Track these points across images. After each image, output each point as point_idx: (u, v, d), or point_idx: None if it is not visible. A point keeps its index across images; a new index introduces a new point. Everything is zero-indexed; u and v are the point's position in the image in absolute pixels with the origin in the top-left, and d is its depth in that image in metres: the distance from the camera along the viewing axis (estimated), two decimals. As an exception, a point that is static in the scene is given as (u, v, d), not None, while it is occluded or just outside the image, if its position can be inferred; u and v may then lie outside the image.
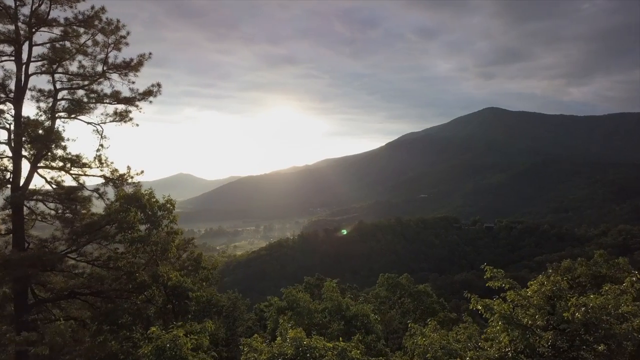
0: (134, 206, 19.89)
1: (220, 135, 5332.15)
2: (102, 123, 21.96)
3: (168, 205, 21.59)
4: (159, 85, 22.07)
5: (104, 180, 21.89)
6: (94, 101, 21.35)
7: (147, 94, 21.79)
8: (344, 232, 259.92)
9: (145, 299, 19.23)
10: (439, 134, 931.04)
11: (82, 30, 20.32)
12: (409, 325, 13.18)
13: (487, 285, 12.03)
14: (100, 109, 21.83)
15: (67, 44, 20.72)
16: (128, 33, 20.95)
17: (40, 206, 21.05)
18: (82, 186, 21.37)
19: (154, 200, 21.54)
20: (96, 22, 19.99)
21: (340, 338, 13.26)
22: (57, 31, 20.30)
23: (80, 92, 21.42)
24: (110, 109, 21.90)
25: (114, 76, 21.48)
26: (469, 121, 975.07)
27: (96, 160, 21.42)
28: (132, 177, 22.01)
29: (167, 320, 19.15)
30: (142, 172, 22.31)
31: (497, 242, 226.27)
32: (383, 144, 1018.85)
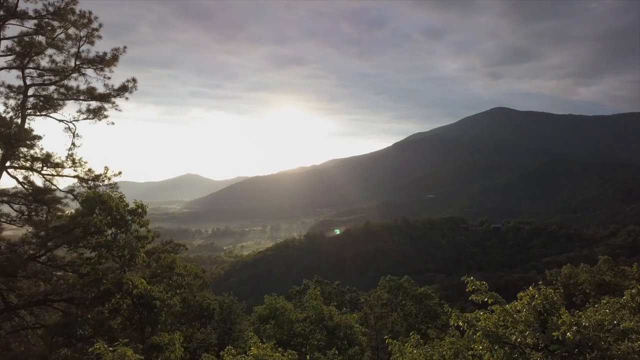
0: (100, 209, 18.82)
1: (227, 135, 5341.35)
2: (74, 121, 20.94)
3: (139, 210, 20.47)
4: (134, 80, 20.99)
5: (77, 181, 20.82)
6: (63, 97, 20.27)
7: (122, 90, 20.75)
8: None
9: (112, 308, 18.13)
10: (447, 134, 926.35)
11: (56, 24, 19.34)
12: (386, 342, 12.04)
13: (470, 298, 10.93)
14: (75, 106, 20.86)
15: (41, 38, 19.73)
16: (100, 25, 19.87)
17: (7, 208, 20.04)
18: (49, 187, 20.35)
19: (124, 204, 20.42)
20: (69, 15, 19.04)
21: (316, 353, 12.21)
22: (29, 25, 19.37)
23: (52, 88, 20.40)
24: (85, 106, 20.80)
25: (89, 72, 20.49)
26: (477, 121, 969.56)
27: (69, 160, 20.41)
28: (109, 178, 21.03)
29: (137, 331, 18.12)
30: (120, 173, 21.32)
31: (505, 243, 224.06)
32: (390, 144, 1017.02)
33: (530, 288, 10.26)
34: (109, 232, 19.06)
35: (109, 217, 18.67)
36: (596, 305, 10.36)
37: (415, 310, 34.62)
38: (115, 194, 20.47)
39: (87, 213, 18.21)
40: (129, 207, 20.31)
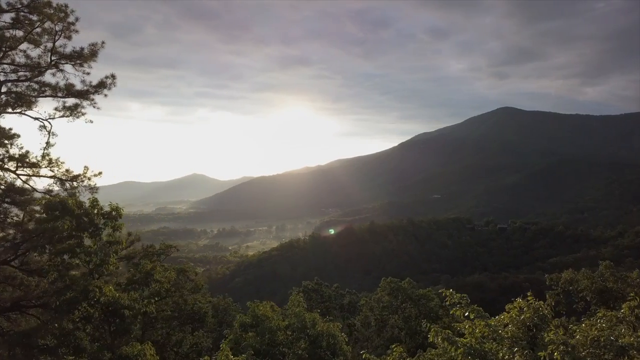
0: (63, 213, 17.97)
1: (233, 135, 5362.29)
2: (50, 119, 20.15)
3: (114, 212, 19.65)
4: (113, 77, 20.19)
5: (54, 182, 20.03)
6: (37, 94, 19.45)
7: (100, 87, 19.92)
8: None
9: (82, 316, 17.24)
10: (452, 134, 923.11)
11: (35, 17, 18.59)
12: (363, 356, 11.19)
13: (451, 312, 10.08)
14: (54, 103, 20.08)
15: (18, 32, 18.95)
16: (77, 19, 19.16)
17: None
18: (23, 188, 19.57)
19: (99, 207, 19.54)
20: (45, 9, 18.30)
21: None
22: (6, 18, 18.61)
23: (27, 85, 19.56)
24: (62, 103, 19.96)
25: (68, 68, 19.72)
26: (483, 121, 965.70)
27: (45, 159, 19.65)
28: (88, 179, 20.22)
29: (107, 341, 17.27)
30: (100, 173, 20.52)
31: (511, 243, 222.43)
32: (396, 144, 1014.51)
33: (519, 299, 9.36)
34: (79, 237, 18.22)
35: (74, 222, 17.83)
36: (592, 319, 9.40)
37: (415, 313, 33.79)
38: (90, 198, 19.64)
39: (51, 219, 17.40)
40: (103, 210, 19.48)
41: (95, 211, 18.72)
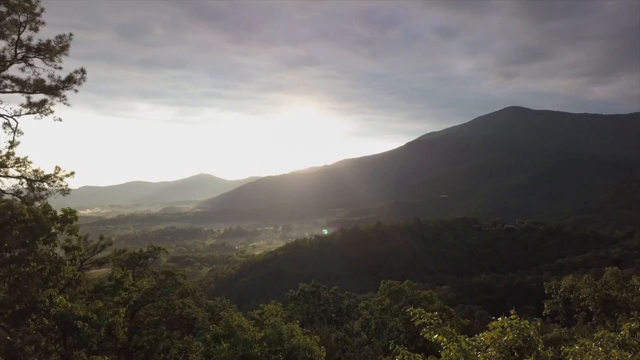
0: (15, 221, 16.84)
1: (240, 136, 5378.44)
2: (15, 115, 19.12)
3: (69, 216, 18.60)
4: (82, 71, 19.08)
5: (20, 182, 18.95)
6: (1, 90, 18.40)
7: (69, 82, 18.85)
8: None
9: (36, 329, 16.03)
10: (460, 133, 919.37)
11: (3, 9, 17.58)
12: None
13: (422, 334, 8.94)
14: (22, 99, 18.99)
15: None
16: (42, 10, 18.18)
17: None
18: None
19: (52, 212, 18.39)
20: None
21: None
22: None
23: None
24: (27, 99, 18.86)
25: (37, 62, 18.68)
26: (490, 121, 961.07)
27: (9, 158, 18.62)
28: (60, 179, 19.20)
29: (63, 356, 16.10)
30: (73, 173, 19.48)
31: (518, 243, 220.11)
32: (403, 144, 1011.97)
33: (501, 318, 8.19)
34: (32, 244, 17.06)
35: (24, 229, 16.70)
36: (586, 343, 8.20)
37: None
38: (42, 203, 18.56)
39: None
40: (55, 215, 18.34)
41: (49, 216, 17.64)
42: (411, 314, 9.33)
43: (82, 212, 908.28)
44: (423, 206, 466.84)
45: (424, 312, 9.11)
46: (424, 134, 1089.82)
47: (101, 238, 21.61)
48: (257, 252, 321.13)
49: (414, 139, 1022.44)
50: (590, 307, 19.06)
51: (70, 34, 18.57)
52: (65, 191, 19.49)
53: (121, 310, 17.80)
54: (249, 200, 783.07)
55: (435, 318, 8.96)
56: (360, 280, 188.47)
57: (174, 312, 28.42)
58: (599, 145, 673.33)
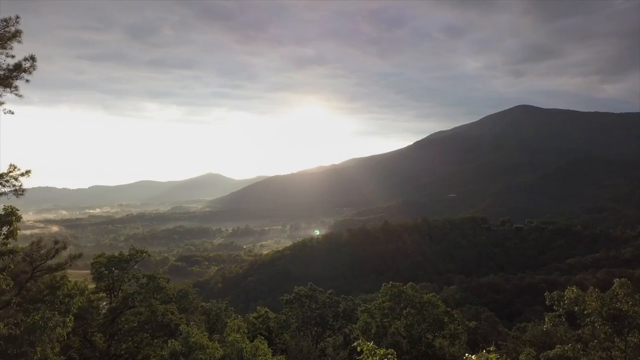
0: None
1: (248, 135, 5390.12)
2: None
3: (9, 218, 17.64)
4: (32, 58, 17.67)
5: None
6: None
7: (17, 70, 17.72)
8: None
9: None
10: (468, 132, 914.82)
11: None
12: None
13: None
14: None
15: None
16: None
17: None
18: None
19: None
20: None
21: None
22: None
23: None
24: None
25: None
26: (499, 119, 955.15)
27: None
28: (15, 178, 18.22)
29: None
30: (28, 172, 18.48)
31: (527, 243, 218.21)
32: (411, 142, 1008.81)
33: (469, 355, 7.48)
34: None
35: None
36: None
37: (418, 320, 31.91)
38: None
39: None
40: None
41: None
42: (356, 343, 8.59)
43: (91, 211, 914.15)
44: (431, 205, 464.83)
45: (372, 345, 8.32)
46: (432, 132, 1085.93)
47: (55, 242, 20.58)
48: (265, 252, 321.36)
49: (422, 137, 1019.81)
50: (597, 324, 17.85)
51: (17, 17, 17.24)
52: (19, 192, 18.44)
53: (67, 320, 16.69)
54: (257, 199, 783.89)
55: (385, 352, 8.22)
56: (367, 280, 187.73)
57: (156, 319, 27.64)
58: (609, 143, 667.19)
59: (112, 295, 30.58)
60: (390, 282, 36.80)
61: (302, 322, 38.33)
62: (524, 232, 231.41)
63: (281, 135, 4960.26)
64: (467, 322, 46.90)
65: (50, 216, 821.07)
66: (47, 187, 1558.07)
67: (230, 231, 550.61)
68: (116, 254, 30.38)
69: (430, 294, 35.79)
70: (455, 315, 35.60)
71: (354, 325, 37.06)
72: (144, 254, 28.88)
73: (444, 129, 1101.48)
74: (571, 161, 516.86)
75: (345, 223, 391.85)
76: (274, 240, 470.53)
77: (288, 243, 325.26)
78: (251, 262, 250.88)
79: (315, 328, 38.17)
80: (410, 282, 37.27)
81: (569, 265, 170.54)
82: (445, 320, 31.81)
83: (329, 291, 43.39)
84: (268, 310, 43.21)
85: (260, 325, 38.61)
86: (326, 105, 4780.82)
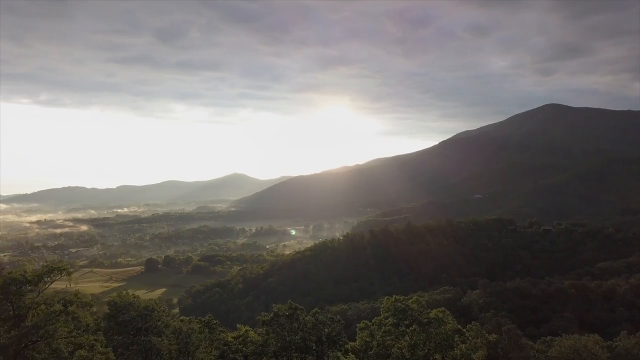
0: None
1: (273, 135, 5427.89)
2: None
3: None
4: None
5: None
6: None
7: None
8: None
9: None
10: (496, 132, 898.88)
11: None
12: None
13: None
14: None
15: None
16: None
17: None
18: None
19: None
20: None
21: None
22: None
23: None
24: None
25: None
26: (528, 119, 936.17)
27: None
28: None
29: None
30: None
31: (556, 246, 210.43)
32: (437, 142, 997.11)
33: None
34: None
35: None
36: None
37: (424, 339, 28.18)
38: None
39: None
40: None
41: None
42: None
43: (119, 210, 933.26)
44: (457, 206, 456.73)
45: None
46: (458, 132, 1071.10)
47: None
48: (287, 252, 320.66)
49: (447, 137, 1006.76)
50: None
51: None
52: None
53: None
54: (281, 199, 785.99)
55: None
56: (389, 283, 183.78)
57: (63, 355, 23.91)
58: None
59: (19, 325, 25.40)
60: (394, 296, 33.02)
61: (281, 347, 34.05)
62: (552, 235, 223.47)
63: (305, 135, 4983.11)
64: (487, 335, 42.95)
65: (80, 215, 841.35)
66: (76, 187, 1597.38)
67: (254, 231, 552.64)
68: (29, 270, 26.06)
69: (438, 310, 31.77)
70: (467, 334, 31.61)
71: (351, 343, 32.99)
72: (63, 271, 24.88)
73: (470, 129, 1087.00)
74: (603, 162, 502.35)
75: (368, 224, 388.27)
76: (297, 240, 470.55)
77: (310, 243, 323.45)
78: (272, 263, 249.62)
79: (296, 354, 33.72)
80: (415, 297, 33.28)
81: (601, 270, 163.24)
82: (456, 340, 28.05)
83: (313, 310, 38.46)
84: (249, 329, 39.86)
85: (236, 350, 35.18)
86: (350, 105, 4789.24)
